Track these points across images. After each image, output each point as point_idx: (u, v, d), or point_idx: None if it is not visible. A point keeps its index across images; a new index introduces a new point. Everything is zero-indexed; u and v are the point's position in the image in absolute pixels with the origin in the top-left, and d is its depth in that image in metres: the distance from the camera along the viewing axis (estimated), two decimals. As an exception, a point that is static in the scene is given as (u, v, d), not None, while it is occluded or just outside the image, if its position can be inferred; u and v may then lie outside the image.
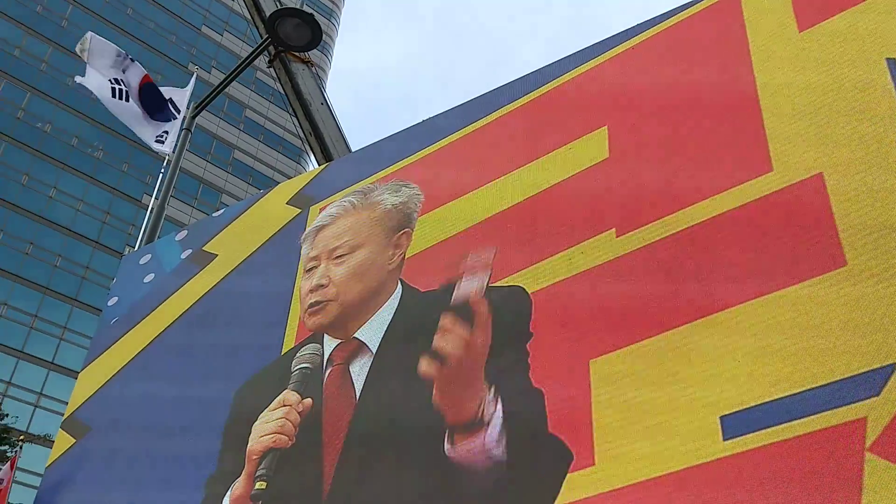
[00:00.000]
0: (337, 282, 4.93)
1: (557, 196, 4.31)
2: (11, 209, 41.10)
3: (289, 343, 5.00)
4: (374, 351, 4.56)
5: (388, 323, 4.64)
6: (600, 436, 3.37)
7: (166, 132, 9.47)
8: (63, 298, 40.87)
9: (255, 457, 4.53)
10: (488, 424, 3.76)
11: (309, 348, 4.86)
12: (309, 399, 4.62)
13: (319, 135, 8.83)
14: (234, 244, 5.97)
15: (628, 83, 4.42)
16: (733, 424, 3.04)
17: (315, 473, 4.31)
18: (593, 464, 3.32)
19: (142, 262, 6.70)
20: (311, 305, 4.94)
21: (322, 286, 4.96)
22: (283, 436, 4.51)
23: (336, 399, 4.56)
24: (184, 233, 6.67)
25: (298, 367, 4.77)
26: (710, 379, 3.20)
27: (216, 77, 44.61)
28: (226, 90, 10.58)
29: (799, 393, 2.95)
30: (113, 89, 9.56)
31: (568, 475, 3.35)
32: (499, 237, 4.43)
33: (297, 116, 9.20)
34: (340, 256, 5.02)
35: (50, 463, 5.79)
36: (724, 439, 3.03)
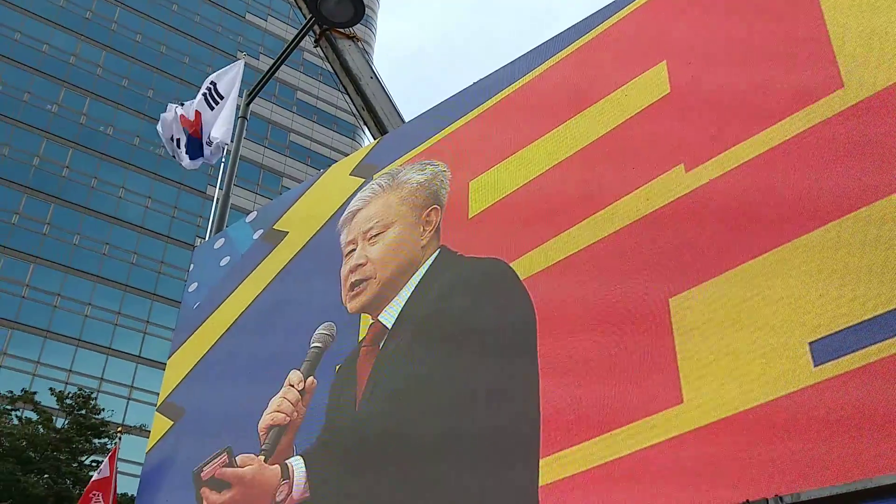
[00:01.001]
0: (374, 259, 5.18)
1: (620, 138, 4.26)
2: (85, 212, 42.52)
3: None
4: (389, 329, 4.84)
5: (404, 303, 4.88)
6: (686, 373, 3.34)
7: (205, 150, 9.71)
8: (143, 294, 42.27)
9: (262, 433, 4.98)
10: None
11: (323, 327, 5.19)
12: (311, 378, 5.01)
13: (372, 109, 8.85)
14: (302, 220, 6.14)
15: (685, 14, 4.30)
16: (822, 350, 2.98)
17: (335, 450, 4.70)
18: (681, 402, 3.30)
19: (216, 246, 6.92)
20: (353, 286, 5.21)
21: (361, 265, 5.20)
22: (280, 413, 4.92)
23: (363, 377, 4.83)
24: (253, 214, 6.86)
25: (312, 346, 5.13)
26: (796, 306, 3.13)
27: (265, 63, 45.02)
28: (276, 74, 10.66)
29: (885, 313, 2.87)
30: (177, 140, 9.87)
31: (659, 413, 3.36)
32: (561, 187, 4.42)
33: (348, 93, 9.23)
34: (374, 236, 5.27)
35: (150, 447, 6.09)
36: (815, 366, 2.97)
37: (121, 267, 42.40)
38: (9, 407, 26.02)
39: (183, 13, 51.42)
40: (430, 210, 5.14)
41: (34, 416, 25.92)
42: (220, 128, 9.50)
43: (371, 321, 5.02)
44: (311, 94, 54.71)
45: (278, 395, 5.07)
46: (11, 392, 26.97)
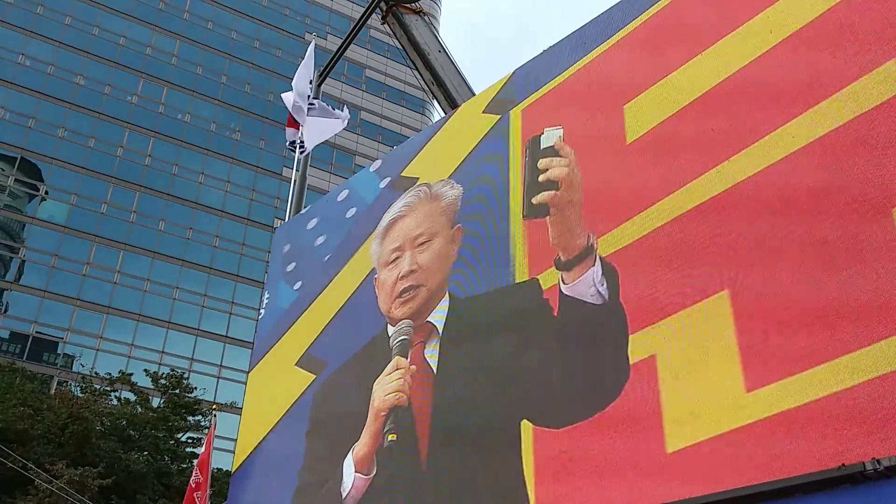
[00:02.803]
0: (425, 267, 5.34)
1: (744, 81, 4.15)
2: (168, 199, 43.91)
3: (516, 249, 5.02)
4: (441, 333, 5.04)
5: (446, 313, 5.12)
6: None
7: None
8: (226, 276, 43.51)
9: (382, 413, 5.07)
10: (595, 260, 4.24)
11: (403, 323, 5.32)
12: (414, 366, 5.11)
13: (441, 82, 8.83)
14: (433, 164, 6.04)
15: None
16: None
17: (414, 443, 4.82)
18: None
19: (340, 198, 6.89)
20: (404, 292, 5.35)
21: (413, 272, 5.35)
22: (403, 394, 5.03)
23: (418, 376, 5.04)
24: (377, 163, 6.81)
25: (399, 338, 5.24)
26: None
27: (332, 43, 45.35)
28: (344, 54, 10.73)
29: None
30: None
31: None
32: (691, 133, 4.33)
33: (416, 68, 9.22)
34: (423, 244, 5.41)
35: (291, 404, 6.07)
36: None
37: (204, 250, 43.70)
38: (108, 388, 27.26)
39: (251, -2, 52.21)
40: (456, 229, 5.33)
41: (132, 397, 27.10)
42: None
43: (418, 322, 5.31)
44: (380, 72, 54.92)
45: (396, 377, 5.15)
46: (110, 374, 28.23)
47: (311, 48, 10.27)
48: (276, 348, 6.53)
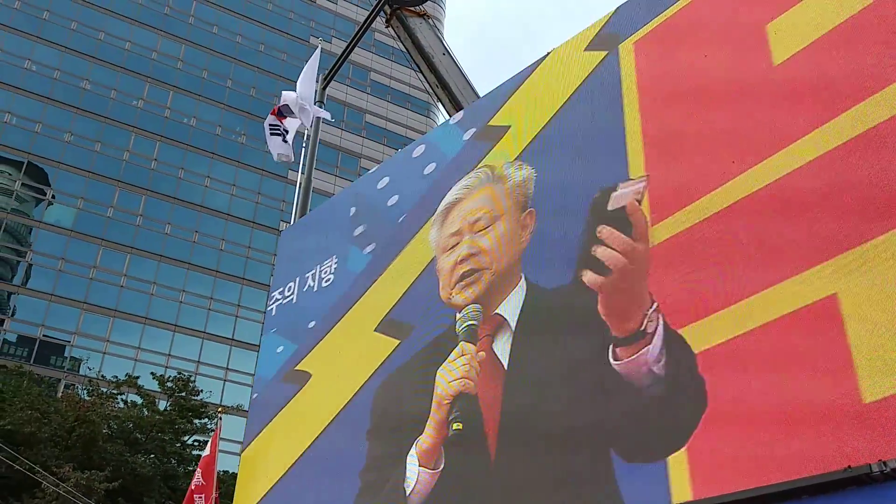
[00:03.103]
0: (487, 250, 5.00)
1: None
2: (175, 202, 44.03)
3: (634, 161, 4.43)
4: (514, 327, 4.67)
5: (521, 304, 4.71)
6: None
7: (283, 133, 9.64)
8: (233, 279, 43.61)
9: (446, 401, 4.72)
10: (652, 337, 3.81)
11: (471, 307, 4.96)
12: (483, 352, 4.74)
13: (445, 85, 8.86)
14: (528, 109, 5.46)
15: None
16: None
17: (482, 442, 4.49)
18: None
19: (415, 155, 6.39)
20: (463, 276, 5.03)
21: (473, 255, 5.04)
22: (469, 381, 4.67)
23: (486, 373, 4.69)
24: (458, 115, 6.28)
25: (467, 322, 4.88)
26: None
27: (337, 46, 45.46)
28: (349, 57, 10.76)
29: None
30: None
31: None
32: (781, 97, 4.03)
33: (421, 71, 9.25)
34: (484, 228, 5.08)
35: (374, 371, 5.63)
36: None
37: (211, 253, 43.81)
38: (115, 391, 27.33)
39: (255, 2, 52.34)
40: (528, 214, 4.95)
41: (138, 400, 27.16)
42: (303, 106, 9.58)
43: (484, 312, 4.88)
44: (385, 75, 54.99)
45: (461, 363, 4.78)
46: (116, 377, 28.31)
47: (316, 53, 10.32)
48: (349, 315, 6.03)
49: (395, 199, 6.19)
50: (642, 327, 3.87)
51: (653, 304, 3.91)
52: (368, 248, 6.23)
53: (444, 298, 5.15)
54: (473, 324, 4.86)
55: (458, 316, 4.99)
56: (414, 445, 4.82)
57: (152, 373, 29.53)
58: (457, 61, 9.13)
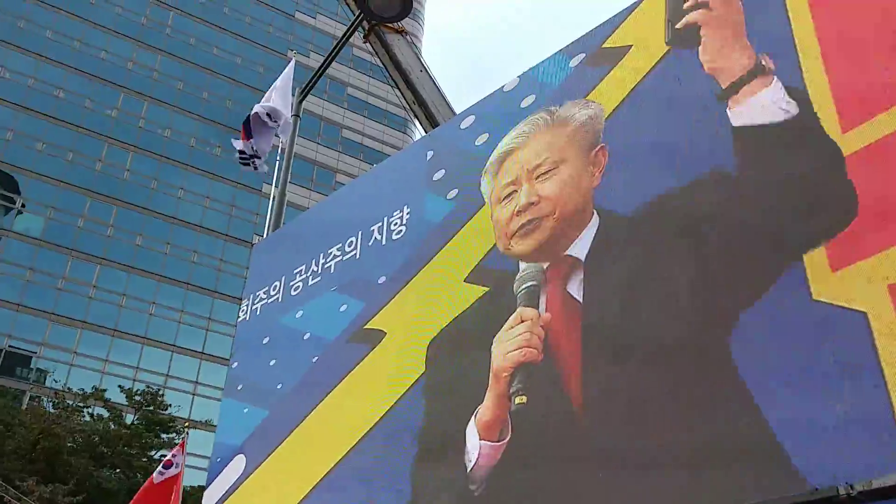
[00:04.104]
0: (551, 196, 4.55)
1: None
2: (147, 213, 43.63)
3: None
4: (585, 262, 4.24)
5: (593, 237, 4.28)
6: None
7: (250, 156, 9.52)
8: (204, 292, 43.22)
9: (505, 374, 4.28)
10: (771, 74, 3.39)
11: (530, 267, 4.51)
12: (548, 314, 4.28)
13: (422, 102, 8.87)
14: (653, 27, 4.70)
15: None
16: None
17: (562, 391, 4.02)
18: None
19: (507, 89, 5.61)
20: (522, 226, 4.58)
21: (533, 204, 4.59)
22: (532, 349, 4.22)
23: (561, 318, 4.24)
24: (565, 46, 5.37)
25: (525, 285, 4.45)
26: None
27: (315, 60, 45.50)
28: (326, 71, 10.76)
29: None
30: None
31: None
32: None
33: (398, 87, 9.26)
34: (545, 173, 4.64)
35: (451, 322, 5.05)
36: None
37: (182, 266, 43.42)
38: (81, 404, 26.91)
39: (234, 15, 52.28)
40: (599, 150, 4.49)
41: (105, 413, 26.77)
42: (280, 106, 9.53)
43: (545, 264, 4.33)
44: (362, 90, 55.10)
45: (520, 330, 4.31)
46: (83, 390, 27.89)
47: (291, 64, 10.31)
48: (430, 266, 5.37)
49: (484, 137, 5.45)
50: (758, 63, 3.46)
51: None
52: (451, 195, 5.53)
53: (502, 248, 4.68)
54: (533, 285, 4.39)
55: (518, 276, 4.50)
56: (473, 416, 4.36)
57: (120, 386, 29.15)
58: (434, 78, 9.16)
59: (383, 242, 5.84)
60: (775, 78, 3.60)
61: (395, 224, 5.86)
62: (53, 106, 43.41)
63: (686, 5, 4.20)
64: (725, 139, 3.87)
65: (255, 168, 9.56)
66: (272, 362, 6.19)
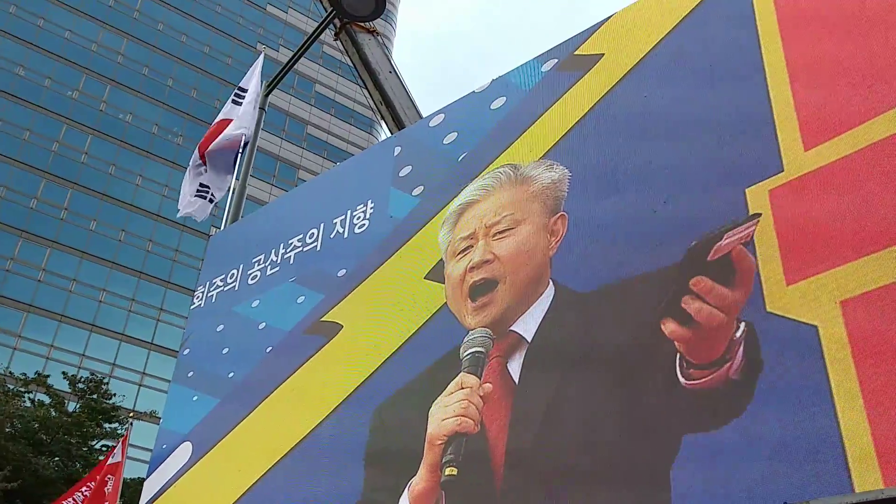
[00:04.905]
0: (504, 258, 4.40)
1: None
2: (103, 199, 42.86)
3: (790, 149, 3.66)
4: (530, 341, 4.14)
5: (543, 315, 4.15)
6: None
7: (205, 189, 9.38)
8: (157, 281, 42.57)
9: (438, 442, 4.18)
10: (733, 359, 3.34)
11: (480, 332, 4.36)
12: (489, 384, 4.18)
13: (390, 103, 8.89)
14: (628, 36, 4.66)
15: None
16: None
17: (489, 473, 3.98)
18: None
19: (479, 90, 5.60)
20: (476, 290, 4.41)
21: (487, 261, 4.43)
22: (468, 419, 4.12)
23: (497, 393, 4.15)
24: (542, 54, 5.41)
25: (470, 350, 4.34)
26: None
27: (284, 55, 45.24)
28: (295, 66, 10.72)
29: None
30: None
31: None
32: None
33: (366, 87, 9.27)
34: (502, 232, 4.48)
35: (423, 322, 5.02)
36: None
37: (136, 254, 42.73)
38: (22, 389, 26.29)
39: (205, 3, 51.70)
40: (558, 218, 4.35)
41: (47, 400, 26.19)
42: (243, 126, 9.45)
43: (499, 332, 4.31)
44: (330, 88, 54.86)
45: (458, 398, 4.23)
46: (25, 375, 27.25)
47: (259, 59, 10.24)
48: (392, 261, 5.31)
49: (452, 136, 5.38)
50: (726, 354, 3.45)
51: (739, 328, 3.45)
52: (416, 191, 5.47)
53: (455, 311, 4.56)
54: (480, 352, 4.30)
55: (465, 339, 4.38)
56: (407, 488, 4.30)
57: (64, 372, 28.52)
58: (403, 81, 9.18)
59: (345, 236, 5.78)
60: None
61: (359, 218, 5.80)
62: (11, 83, 42.44)
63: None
64: None
65: (211, 201, 9.34)
66: (225, 350, 6.11)
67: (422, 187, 5.42)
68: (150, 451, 6.20)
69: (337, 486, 4.67)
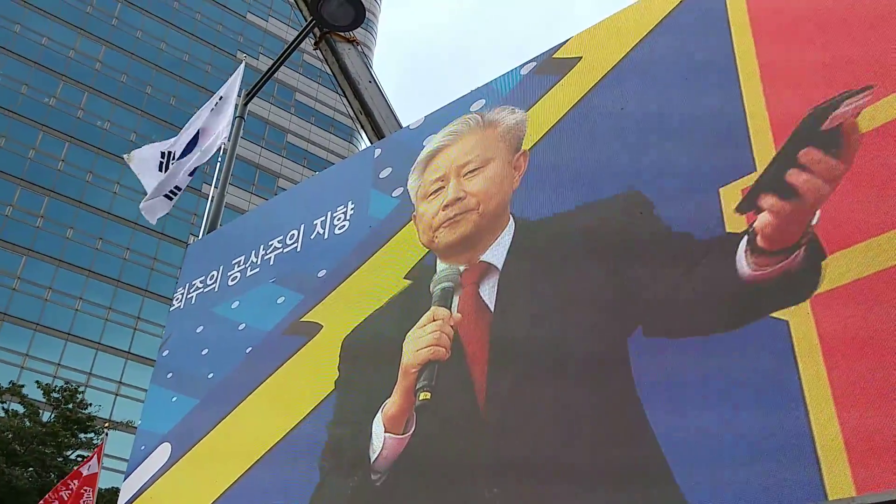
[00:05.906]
0: (476, 192, 4.72)
1: None
2: (79, 207, 42.48)
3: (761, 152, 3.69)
4: (501, 268, 4.39)
5: (509, 244, 4.44)
6: None
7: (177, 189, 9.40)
8: (134, 290, 42.22)
9: (413, 370, 4.40)
10: (802, 247, 3.34)
11: (447, 268, 4.66)
12: (459, 314, 4.42)
13: (369, 112, 8.94)
14: (604, 40, 4.76)
15: None
16: None
17: (467, 390, 4.16)
18: None
19: (460, 95, 5.71)
20: (449, 220, 4.73)
21: (459, 199, 4.75)
22: (440, 348, 4.36)
23: (471, 320, 4.38)
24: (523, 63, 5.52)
25: (439, 286, 4.59)
26: None
27: (264, 63, 45.15)
28: (275, 75, 10.75)
29: None
30: (161, 163, 9.46)
31: None
32: None
33: (346, 96, 9.31)
34: (473, 171, 4.81)
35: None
36: None
37: (113, 262, 42.37)
38: (-4, 399, 25.98)
39: (184, 11, 51.54)
40: (520, 155, 4.69)
41: (21, 409, 25.86)
42: (221, 126, 9.48)
43: (465, 266, 4.52)
44: (310, 96, 54.82)
45: (431, 329, 4.45)
46: (-1, 384, 26.92)
47: (240, 68, 10.26)
48: (372, 262, 5.41)
49: (431, 137, 5.50)
50: (801, 239, 3.39)
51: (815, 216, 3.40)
52: (397, 192, 5.54)
53: (426, 243, 4.81)
54: (449, 286, 4.54)
55: (434, 277, 4.64)
56: (380, 409, 4.47)
57: (38, 381, 28.19)
58: (382, 90, 9.23)
59: (326, 237, 5.83)
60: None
61: (339, 219, 5.86)
62: (-12, 89, 42.07)
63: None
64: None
65: (171, 197, 9.33)
66: (204, 351, 6.13)
67: (402, 188, 5.47)
68: (127, 461, 6.19)
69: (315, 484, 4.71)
